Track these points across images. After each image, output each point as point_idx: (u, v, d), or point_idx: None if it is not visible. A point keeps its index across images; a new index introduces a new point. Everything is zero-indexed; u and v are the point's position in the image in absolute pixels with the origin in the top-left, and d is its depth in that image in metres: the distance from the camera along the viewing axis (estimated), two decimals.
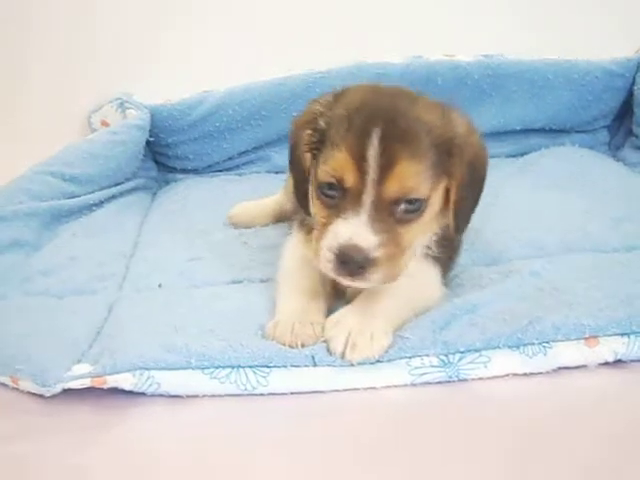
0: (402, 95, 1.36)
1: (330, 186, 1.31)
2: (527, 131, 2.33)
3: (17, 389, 1.34)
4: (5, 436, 1.25)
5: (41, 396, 1.31)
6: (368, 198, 1.27)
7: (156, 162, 2.36)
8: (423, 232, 1.37)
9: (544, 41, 2.28)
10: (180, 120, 2.25)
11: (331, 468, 1.14)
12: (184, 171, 2.35)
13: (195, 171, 2.34)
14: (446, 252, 1.48)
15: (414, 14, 2.33)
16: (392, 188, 1.27)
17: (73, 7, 2.31)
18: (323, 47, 2.31)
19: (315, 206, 1.38)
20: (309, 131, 1.37)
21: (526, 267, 1.55)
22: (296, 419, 1.27)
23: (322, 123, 1.35)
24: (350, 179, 1.28)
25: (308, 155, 1.38)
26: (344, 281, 1.30)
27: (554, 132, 2.33)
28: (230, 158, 2.33)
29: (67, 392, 1.29)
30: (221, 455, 1.19)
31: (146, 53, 2.36)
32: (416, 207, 1.30)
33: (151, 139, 2.25)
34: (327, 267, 1.29)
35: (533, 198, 1.92)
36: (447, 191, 1.36)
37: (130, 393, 1.30)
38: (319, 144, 1.35)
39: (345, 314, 1.35)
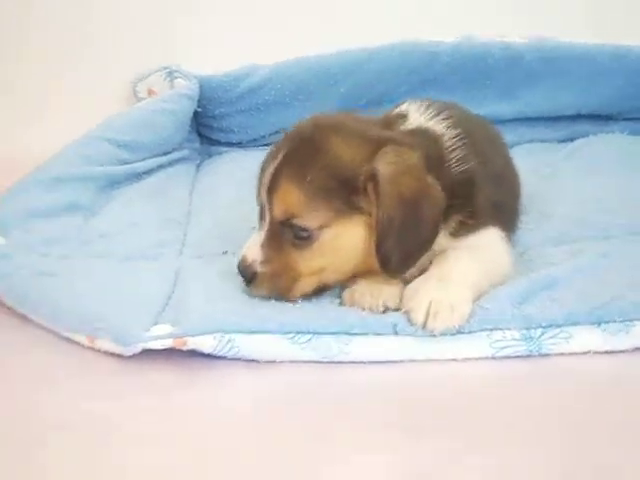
0: (327, 125, 1.39)
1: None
2: (575, 117, 2.30)
3: (92, 349, 1.33)
4: (84, 394, 1.24)
5: (118, 356, 1.30)
6: (267, 216, 1.35)
7: (199, 134, 2.33)
8: (335, 262, 1.37)
9: (599, 25, 2.26)
10: (229, 91, 2.22)
11: (409, 436, 1.13)
12: (228, 144, 2.31)
13: (239, 144, 2.31)
14: (502, 216, 1.49)
15: None
16: (275, 210, 1.34)
17: None
18: (374, 24, 2.29)
19: None
20: None
21: (595, 248, 1.55)
22: (375, 387, 1.26)
23: None
24: (259, 197, 1.38)
25: None
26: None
27: (603, 118, 2.30)
28: (276, 132, 2.28)
29: (143, 353, 1.28)
30: (298, 420, 1.18)
31: (194, 21, 2.33)
32: (305, 235, 1.33)
33: (198, 110, 2.22)
34: None
35: (590, 182, 1.90)
36: None
37: (207, 356, 1.29)
38: None
39: (423, 283, 1.34)
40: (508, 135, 2.14)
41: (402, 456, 1.08)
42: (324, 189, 1.33)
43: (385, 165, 1.33)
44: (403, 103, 1.54)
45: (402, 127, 1.44)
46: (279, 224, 1.36)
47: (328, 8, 2.31)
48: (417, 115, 1.48)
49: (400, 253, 1.33)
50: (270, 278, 1.36)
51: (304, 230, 1.34)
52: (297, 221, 1.34)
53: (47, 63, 2.33)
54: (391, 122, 1.46)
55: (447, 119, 1.47)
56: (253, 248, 1.37)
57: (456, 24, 2.28)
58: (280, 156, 1.37)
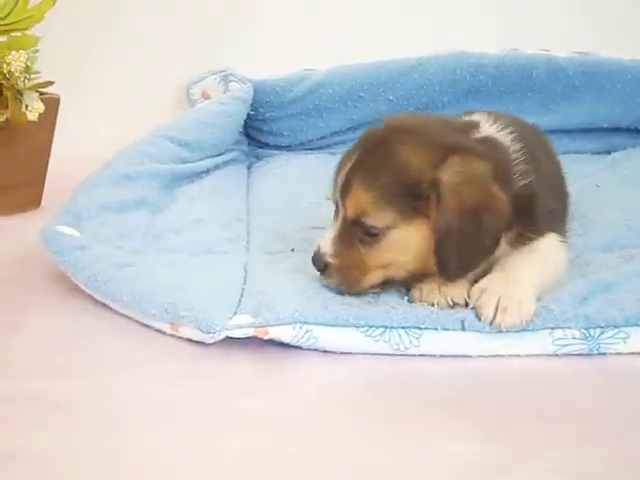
0: (399, 131, 1.46)
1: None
2: (613, 130, 2.38)
3: (173, 336, 1.40)
4: (169, 377, 1.30)
5: (197, 343, 1.37)
6: (340, 214, 1.44)
7: (247, 136, 2.40)
8: (401, 259, 1.44)
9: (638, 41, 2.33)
10: (282, 96, 2.30)
11: (475, 427, 1.19)
12: (276, 147, 2.39)
13: (288, 147, 2.39)
14: (558, 223, 1.57)
15: (512, 6, 2.38)
16: (347, 209, 1.42)
17: None
18: (422, 34, 2.37)
19: None
20: None
21: None
22: (444, 380, 1.32)
23: None
24: (335, 197, 1.46)
25: None
26: None
27: (638, 132, 2.38)
28: (323, 137, 2.38)
29: (225, 342, 1.35)
30: (373, 409, 1.24)
31: (250, 26, 2.41)
32: (374, 233, 1.41)
33: (250, 113, 2.29)
34: None
35: (632, 192, 1.98)
36: None
37: (286, 346, 1.36)
38: None
39: (490, 282, 1.41)
40: None
41: (482, 446, 1.13)
42: (391, 193, 1.40)
43: (450, 174, 1.39)
44: (472, 114, 1.61)
45: (476, 135, 1.50)
46: (351, 222, 1.44)
47: (379, 18, 2.38)
48: (487, 125, 1.54)
49: (458, 260, 1.40)
50: (340, 269, 1.44)
51: (372, 228, 1.42)
52: (366, 220, 1.42)
53: (112, 67, 2.40)
54: (465, 128, 1.52)
55: (513, 132, 1.53)
56: (326, 241, 1.45)
57: (501, 37, 2.33)
58: (354, 158, 1.45)
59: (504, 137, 1.52)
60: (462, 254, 1.39)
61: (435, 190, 1.38)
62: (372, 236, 1.42)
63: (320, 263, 1.45)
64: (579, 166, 2.22)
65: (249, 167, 2.31)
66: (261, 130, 2.38)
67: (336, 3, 2.40)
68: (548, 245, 1.50)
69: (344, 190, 1.44)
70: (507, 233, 1.45)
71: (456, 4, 2.39)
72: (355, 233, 1.44)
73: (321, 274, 1.46)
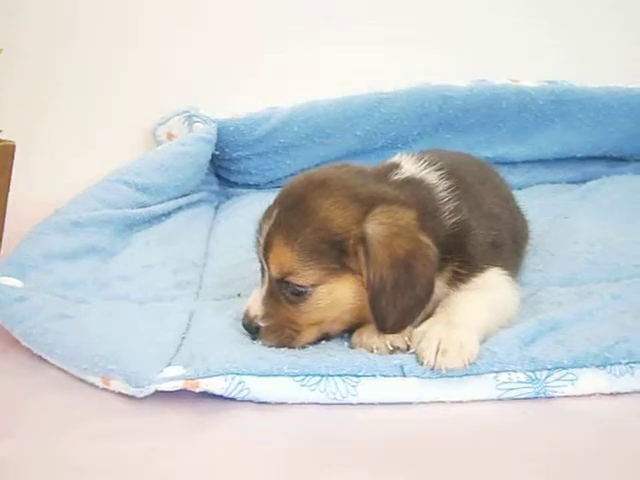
0: (320, 186, 1.41)
1: None
2: (587, 158, 2.33)
3: (106, 390, 1.36)
4: (96, 435, 1.26)
5: (131, 397, 1.33)
6: (267, 274, 1.40)
7: (217, 176, 2.38)
8: (332, 315, 1.40)
9: (608, 69, 2.30)
10: (247, 135, 2.27)
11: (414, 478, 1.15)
12: (245, 186, 2.36)
13: (256, 186, 2.36)
14: (502, 256, 1.51)
15: (479, 38, 2.37)
16: (271, 268, 1.38)
17: (141, 20, 2.34)
18: (389, 68, 2.34)
19: None
20: None
21: (604, 289, 1.56)
22: (384, 429, 1.28)
23: None
24: (259, 256, 1.42)
25: None
26: None
27: (614, 160, 2.34)
28: (292, 174, 2.33)
29: (156, 395, 1.31)
30: (309, 462, 1.20)
31: (212, 68, 2.38)
32: (300, 292, 1.37)
33: (215, 152, 2.27)
34: None
35: (601, 223, 1.92)
36: None
37: (218, 398, 1.31)
38: None
39: (432, 325, 1.37)
40: (519, 177, 2.21)
41: None
42: (315, 250, 1.36)
43: (375, 227, 1.35)
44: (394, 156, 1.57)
45: (396, 177, 1.46)
46: (276, 281, 1.39)
47: (342, 53, 2.36)
48: (409, 165, 1.50)
49: (396, 312, 1.35)
50: (273, 331, 1.40)
51: (299, 287, 1.38)
52: (292, 279, 1.37)
53: (67, 110, 2.38)
54: (385, 172, 1.48)
55: (440, 169, 1.49)
56: (255, 304, 1.41)
57: (469, 68, 2.30)
58: (274, 215, 1.40)
59: (429, 175, 1.48)
60: (398, 307, 1.35)
61: (363, 245, 1.34)
62: (299, 295, 1.38)
63: (251, 328, 1.41)
64: (551, 197, 2.18)
65: (217, 207, 2.28)
66: (230, 170, 2.35)
67: (299, 40, 2.37)
68: (490, 281, 1.46)
69: (266, 249, 1.40)
70: (441, 273, 1.42)
71: (421, 36, 2.35)
72: (282, 292, 1.39)
73: (252, 338, 1.42)
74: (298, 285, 1.37)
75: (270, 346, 1.39)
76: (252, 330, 1.41)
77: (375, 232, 1.34)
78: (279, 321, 1.39)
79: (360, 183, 1.42)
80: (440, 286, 1.42)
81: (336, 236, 1.35)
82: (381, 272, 1.33)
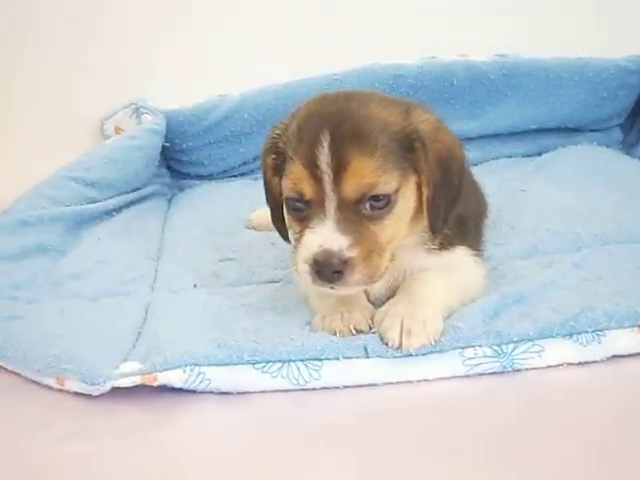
0: (352, 97, 1.35)
1: (295, 200, 1.31)
2: (542, 130, 2.32)
3: (62, 390, 1.31)
4: (56, 438, 1.22)
5: (88, 396, 1.28)
6: (331, 203, 1.27)
7: (169, 168, 2.33)
8: (401, 228, 1.34)
9: (558, 40, 2.28)
10: (196, 125, 2.23)
11: (385, 461, 1.12)
12: (199, 177, 2.33)
13: (210, 177, 2.32)
14: (468, 236, 1.48)
15: (428, 15, 2.35)
16: (350, 188, 1.26)
17: (86, 11, 2.28)
18: (338, 49, 2.31)
19: (288, 222, 1.40)
20: (273, 156, 1.38)
21: (566, 259, 1.55)
22: (349, 413, 1.24)
23: (281, 145, 1.35)
24: (309, 189, 1.28)
25: (276, 180, 1.38)
26: (328, 290, 1.29)
27: (569, 131, 2.33)
28: (245, 163, 2.32)
29: (114, 392, 1.27)
30: (275, 453, 1.16)
31: (158, 57, 2.34)
32: (383, 203, 1.29)
33: (166, 144, 2.22)
34: (308, 279, 1.28)
35: (560, 194, 1.91)
36: (420, 187, 1.33)
37: (178, 392, 1.27)
38: (283, 165, 1.34)
39: (393, 304, 1.34)
40: (474, 152, 2.18)
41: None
42: (390, 151, 1.29)
43: (422, 124, 1.32)
44: None
45: None
46: (353, 203, 1.28)
47: (293, 35, 2.32)
48: None
49: (444, 208, 1.33)
50: (363, 259, 1.26)
51: (384, 197, 1.29)
52: (377, 191, 1.28)
53: (11, 104, 2.31)
54: None
55: None
56: (331, 237, 1.26)
57: (419, 45, 2.27)
58: (328, 136, 1.27)
59: None
60: (444, 205, 1.33)
61: (419, 140, 1.30)
62: (382, 208, 1.29)
63: (339, 263, 1.24)
64: (506, 170, 2.18)
65: (170, 200, 2.23)
66: (181, 161, 2.31)
67: (247, 24, 2.32)
68: (458, 260, 1.43)
69: (339, 171, 1.26)
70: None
71: (370, 15, 2.31)
72: (361, 212, 1.28)
73: (335, 281, 1.27)
74: (383, 195, 1.28)
75: (356, 284, 1.28)
76: (339, 266, 1.25)
77: (425, 128, 1.32)
78: (367, 246, 1.27)
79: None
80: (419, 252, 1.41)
81: (398, 134, 1.30)
82: (434, 168, 1.31)
